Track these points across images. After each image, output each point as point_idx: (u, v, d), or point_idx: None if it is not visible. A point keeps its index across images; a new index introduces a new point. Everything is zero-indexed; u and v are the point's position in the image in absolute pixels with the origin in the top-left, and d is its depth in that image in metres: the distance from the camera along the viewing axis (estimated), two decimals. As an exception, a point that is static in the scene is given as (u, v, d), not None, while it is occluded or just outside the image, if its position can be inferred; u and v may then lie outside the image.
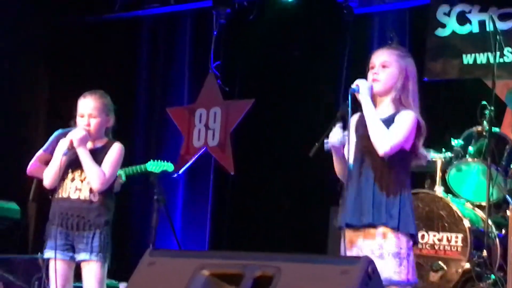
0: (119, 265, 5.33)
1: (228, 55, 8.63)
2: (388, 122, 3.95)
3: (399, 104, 4.01)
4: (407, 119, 3.94)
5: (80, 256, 4.75)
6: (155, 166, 6.54)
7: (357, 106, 3.99)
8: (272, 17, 8.38)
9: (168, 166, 6.68)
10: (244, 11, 8.48)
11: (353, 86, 4.00)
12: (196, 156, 8.52)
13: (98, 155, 4.80)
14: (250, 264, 2.95)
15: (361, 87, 3.98)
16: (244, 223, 8.19)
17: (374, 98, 4.04)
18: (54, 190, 4.82)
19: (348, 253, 3.92)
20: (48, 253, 4.78)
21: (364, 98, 3.97)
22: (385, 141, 3.90)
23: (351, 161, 4.01)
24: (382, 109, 4.03)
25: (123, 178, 6.20)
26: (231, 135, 8.46)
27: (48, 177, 4.81)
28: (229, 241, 8.17)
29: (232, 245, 7.88)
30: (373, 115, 3.95)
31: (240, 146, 8.43)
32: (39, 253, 6.83)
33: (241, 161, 8.35)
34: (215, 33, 8.54)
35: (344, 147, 3.98)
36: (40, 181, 5.01)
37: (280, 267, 2.89)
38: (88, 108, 4.83)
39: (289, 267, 2.89)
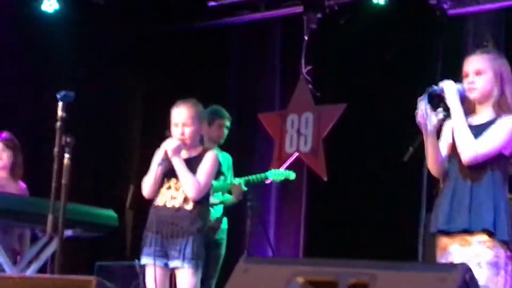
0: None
1: (319, 60, 8.59)
2: (488, 127, 3.86)
3: (499, 108, 3.90)
4: (505, 125, 3.84)
5: (173, 263, 4.82)
6: (276, 174, 6.55)
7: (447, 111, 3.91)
8: (364, 21, 8.30)
9: (290, 174, 6.67)
10: (335, 16, 8.44)
11: (437, 87, 3.93)
12: (289, 162, 8.52)
13: (193, 164, 4.87)
14: (344, 271, 2.94)
15: (447, 90, 3.90)
16: (338, 229, 8.13)
17: (472, 104, 3.96)
18: (153, 198, 4.91)
19: (443, 261, 3.84)
20: (144, 260, 4.87)
21: (451, 101, 3.89)
22: (469, 149, 3.81)
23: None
24: (482, 115, 3.94)
25: (243, 187, 6.26)
26: (323, 141, 8.42)
27: (146, 187, 4.91)
28: (323, 247, 8.13)
29: (326, 252, 7.84)
30: (459, 121, 3.86)
31: (332, 152, 8.38)
32: (136, 260, 6.95)
33: (334, 167, 8.30)
34: (306, 38, 8.53)
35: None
36: (136, 189, 5.11)
37: (375, 275, 2.86)
38: (182, 117, 4.90)
39: (384, 275, 2.86)
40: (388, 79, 8.05)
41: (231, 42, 9.37)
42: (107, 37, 9.17)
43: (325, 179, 8.30)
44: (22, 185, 6.31)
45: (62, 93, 4.67)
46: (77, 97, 4.73)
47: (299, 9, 8.60)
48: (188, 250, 4.78)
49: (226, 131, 6.49)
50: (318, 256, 6.91)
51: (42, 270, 5.62)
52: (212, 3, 9.14)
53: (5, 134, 6.30)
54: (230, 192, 6.39)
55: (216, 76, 9.22)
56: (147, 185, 4.88)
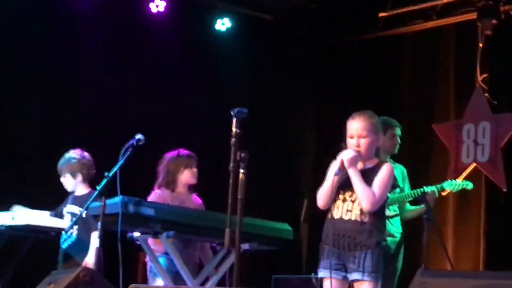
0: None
1: (495, 67, 8.37)
2: None
3: None
4: None
5: (352, 276, 4.78)
6: (453, 185, 6.52)
7: None
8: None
9: (468, 185, 6.62)
10: (511, 21, 8.19)
11: None
12: (465, 173, 8.33)
13: (368, 175, 4.83)
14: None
15: None
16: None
17: None
18: (328, 210, 4.90)
19: None
20: (322, 273, 4.87)
21: None
22: None
23: None
24: None
25: (436, 194, 6.37)
26: (502, 150, 8.19)
27: (321, 197, 4.90)
28: (505, 260, 7.87)
29: (508, 265, 7.58)
30: None
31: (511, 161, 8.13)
32: (312, 273, 6.98)
33: (513, 177, 8.06)
34: (480, 45, 8.32)
35: None
36: (310, 202, 5.12)
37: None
38: (357, 129, 4.88)
39: None
40: None
41: (403, 52, 9.29)
42: (278, 52, 9.30)
43: (505, 189, 8.07)
44: (196, 199, 6.47)
45: (236, 109, 4.75)
46: (250, 112, 4.80)
47: (472, 15, 8.41)
48: (368, 263, 4.74)
49: (398, 140, 6.47)
50: (499, 270, 6.70)
51: (221, 283, 5.73)
52: (383, 14, 9.09)
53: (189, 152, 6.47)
54: (412, 203, 6.36)
55: (389, 86, 9.15)
56: (322, 195, 4.88)
